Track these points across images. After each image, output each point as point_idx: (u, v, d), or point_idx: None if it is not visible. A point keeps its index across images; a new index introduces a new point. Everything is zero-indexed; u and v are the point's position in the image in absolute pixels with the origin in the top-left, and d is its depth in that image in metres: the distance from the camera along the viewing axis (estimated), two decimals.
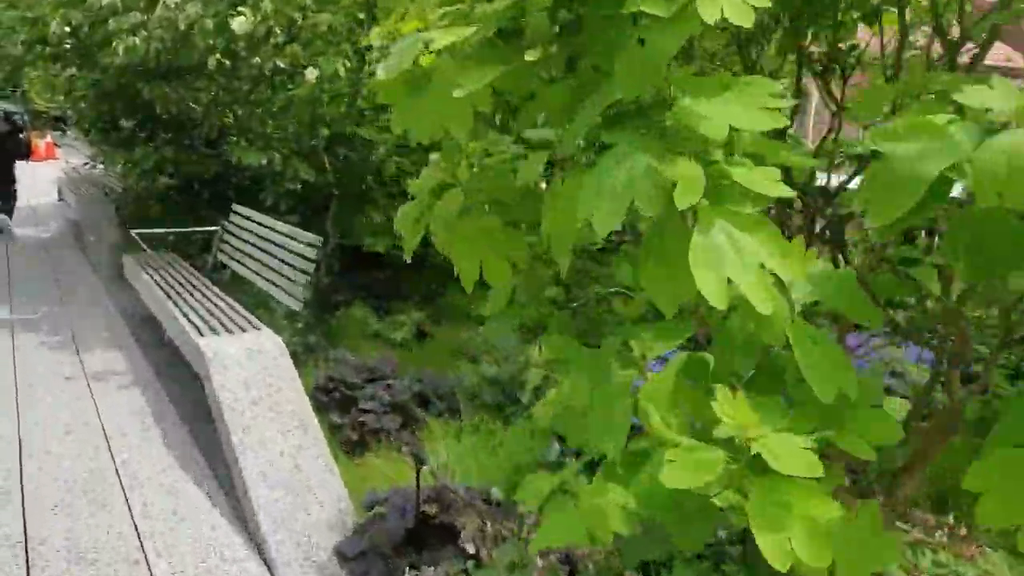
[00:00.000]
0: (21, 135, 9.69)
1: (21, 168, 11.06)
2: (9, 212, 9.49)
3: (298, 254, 4.02)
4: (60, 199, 12.44)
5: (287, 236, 4.25)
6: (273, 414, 3.15)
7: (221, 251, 5.36)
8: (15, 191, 9.63)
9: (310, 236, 3.97)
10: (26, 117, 11.60)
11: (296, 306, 3.99)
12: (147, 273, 5.07)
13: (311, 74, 4.19)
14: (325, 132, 5.39)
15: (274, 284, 4.27)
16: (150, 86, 5.46)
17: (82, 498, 3.14)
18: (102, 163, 11.06)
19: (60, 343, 5.15)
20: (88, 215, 8.32)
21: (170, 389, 4.37)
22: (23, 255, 8.03)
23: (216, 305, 4.29)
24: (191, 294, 4.52)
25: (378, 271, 6.49)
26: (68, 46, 7.15)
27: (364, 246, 6.10)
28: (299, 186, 5.28)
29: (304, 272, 3.94)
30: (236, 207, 5.25)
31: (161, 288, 4.64)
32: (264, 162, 5.14)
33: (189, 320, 3.96)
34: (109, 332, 5.39)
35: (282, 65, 4.71)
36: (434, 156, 1.75)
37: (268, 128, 5.45)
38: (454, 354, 4.88)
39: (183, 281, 4.91)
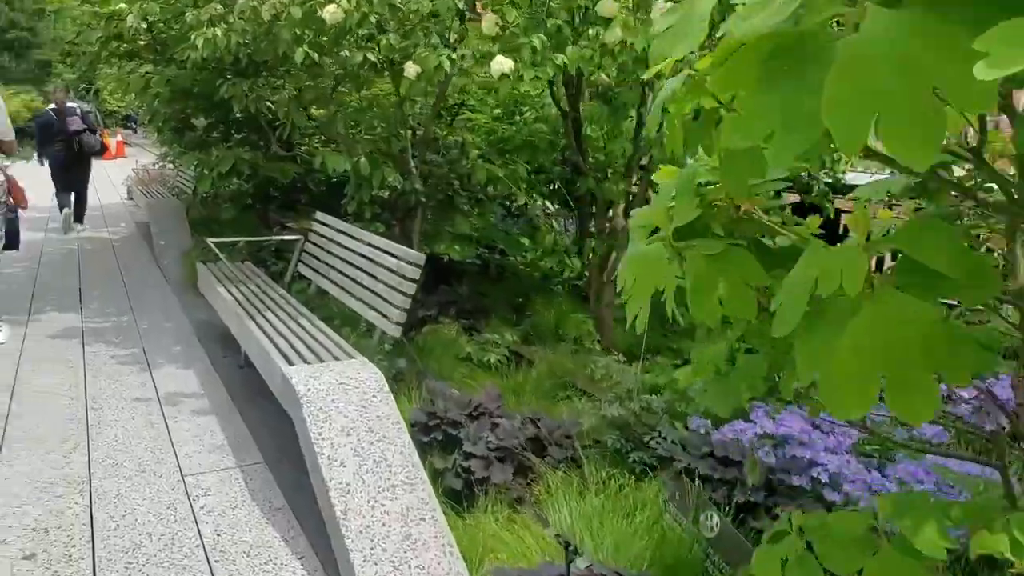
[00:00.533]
0: (95, 133, 9.58)
1: (93, 167, 11.14)
2: (81, 211, 9.62)
3: (397, 273, 3.52)
4: (129, 199, 12.38)
5: (383, 251, 3.76)
6: (378, 468, 2.67)
7: (302, 262, 4.94)
8: (86, 191, 9.69)
9: (413, 253, 3.46)
10: (99, 116, 11.76)
11: (394, 331, 3.49)
12: (223, 285, 4.68)
13: (412, 70, 3.70)
14: (407, 134, 4.94)
15: (366, 304, 3.80)
16: (228, 83, 5.07)
17: (159, 568, 2.71)
18: (172, 163, 10.94)
19: (130, 358, 4.80)
20: (158, 217, 8.08)
21: (249, 417, 3.95)
22: (93, 258, 7.82)
23: (300, 325, 3.84)
24: (272, 311, 4.09)
25: (459, 283, 6.02)
26: (143, 43, 6.90)
27: (447, 256, 5.63)
28: (387, 193, 4.82)
29: (404, 294, 3.45)
30: (320, 215, 4.81)
31: (240, 304, 4.23)
32: (349, 167, 4.69)
33: (273, 343, 3.52)
34: (182, 347, 5.03)
35: (372, 59, 4.25)
36: (664, 181, 1.21)
37: (353, 129, 5.01)
38: (558, 384, 4.34)
39: (262, 296, 4.50)
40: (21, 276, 6.97)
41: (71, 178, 9.19)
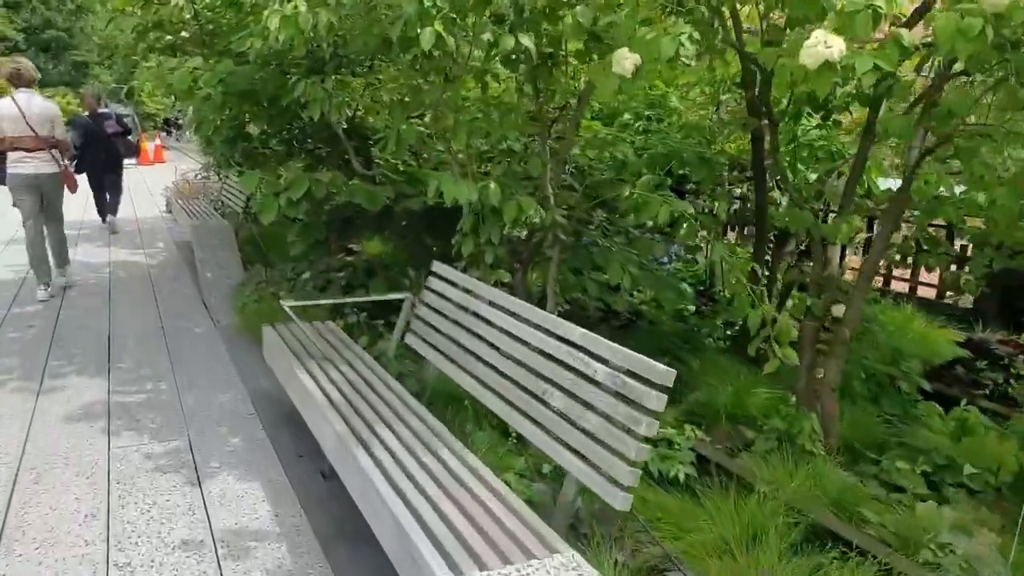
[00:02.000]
0: (129, 137, 9.97)
1: (127, 174, 10.50)
2: (116, 204, 9.93)
3: (626, 398, 2.05)
4: (168, 212, 11.20)
5: (589, 353, 2.26)
6: None
7: (413, 333, 3.54)
8: (119, 190, 10.01)
9: (660, 370, 2.00)
10: (136, 119, 10.96)
11: (622, 504, 2.03)
12: (304, 369, 3.32)
13: (628, 61, 2.29)
14: (546, 151, 3.56)
15: (553, 436, 2.35)
16: (303, 82, 3.74)
17: None
18: (218, 174, 9.72)
19: (172, 459, 3.49)
20: (203, 241, 6.80)
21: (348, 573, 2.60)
22: (126, 291, 6.57)
23: (442, 461, 2.45)
24: (390, 428, 2.69)
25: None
26: (188, 33, 5.63)
27: (591, 311, 4.23)
28: (524, 232, 3.44)
29: (639, 438, 1.99)
30: (441, 268, 3.40)
31: (337, 409, 2.86)
32: (475, 198, 3.33)
33: (411, 511, 2.11)
34: (241, 440, 3.70)
35: (528, 44, 2.88)
36: None
37: (472, 146, 3.64)
38: (809, 530, 2.91)
39: (365, 390, 3.12)
40: (43, 314, 5.73)
41: (105, 179, 9.64)
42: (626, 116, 5.14)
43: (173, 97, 5.97)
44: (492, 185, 3.35)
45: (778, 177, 4.44)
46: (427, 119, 4.18)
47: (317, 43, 3.88)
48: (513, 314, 2.70)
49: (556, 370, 2.40)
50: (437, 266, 3.43)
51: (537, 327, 2.58)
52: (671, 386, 1.99)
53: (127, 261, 7.87)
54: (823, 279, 3.71)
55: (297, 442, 3.65)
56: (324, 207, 4.62)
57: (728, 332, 4.98)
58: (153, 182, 14.99)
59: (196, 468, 3.41)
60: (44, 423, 3.83)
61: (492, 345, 2.78)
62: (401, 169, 5.08)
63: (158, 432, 3.78)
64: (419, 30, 2.83)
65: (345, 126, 4.48)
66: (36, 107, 5.89)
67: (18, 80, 5.89)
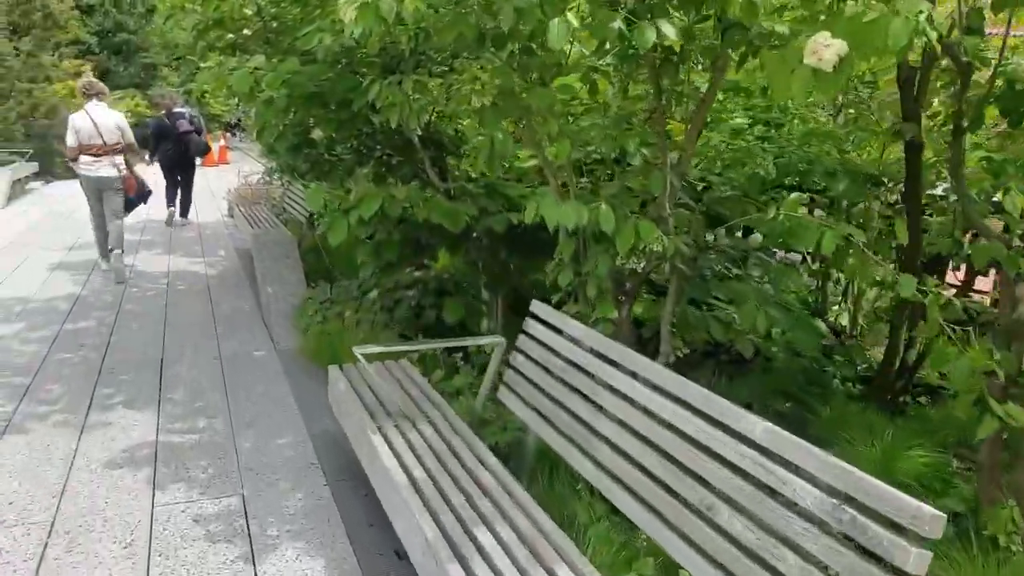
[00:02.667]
0: (200, 135, 10.30)
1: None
2: (187, 206, 10.43)
3: (843, 536, 1.40)
4: (230, 216, 10.94)
5: (784, 463, 1.60)
6: None
7: (507, 387, 2.94)
8: (191, 188, 10.40)
9: (924, 511, 1.34)
10: (202, 120, 11.20)
11: None
12: (380, 434, 2.77)
13: (831, 49, 1.66)
14: (666, 165, 2.91)
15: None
16: (379, 83, 3.19)
17: None
18: (280, 179, 9.37)
19: (223, 525, 2.98)
20: (265, 253, 6.39)
21: None
22: (183, 305, 6.19)
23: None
24: (487, 525, 2.12)
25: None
26: (250, 32, 5.18)
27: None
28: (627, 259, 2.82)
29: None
30: (541, 308, 2.80)
31: (418, 491, 2.29)
32: (584, 222, 2.72)
33: None
34: (304, 498, 3.18)
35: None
36: None
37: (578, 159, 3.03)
38: None
39: (454, 466, 2.54)
40: (93, 334, 5.37)
41: (178, 175, 10.13)
42: (737, 120, 4.44)
43: (236, 99, 5.57)
44: (603, 207, 2.74)
45: (941, 195, 3.70)
46: (514, 125, 3.61)
47: (393, 39, 3.32)
48: (652, 386, 2.07)
49: (724, 475, 1.76)
50: (537, 307, 2.83)
51: (689, 407, 1.94)
52: (939, 537, 1.33)
53: (186, 271, 7.53)
54: (1014, 324, 2.97)
55: (365, 503, 3.11)
56: (398, 225, 4.08)
57: (860, 373, 4.25)
58: (216, 184, 14.86)
59: (250, 538, 2.89)
60: (84, 471, 3.39)
61: (620, 422, 2.16)
62: (481, 182, 4.51)
63: (209, 485, 3.29)
64: (543, 20, 2.24)
65: (420, 133, 3.94)
66: (104, 116, 6.82)
67: (90, 91, 6.86)
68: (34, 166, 14.20)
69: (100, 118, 6.74)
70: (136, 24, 21.13)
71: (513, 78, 2.80)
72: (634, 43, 2.45)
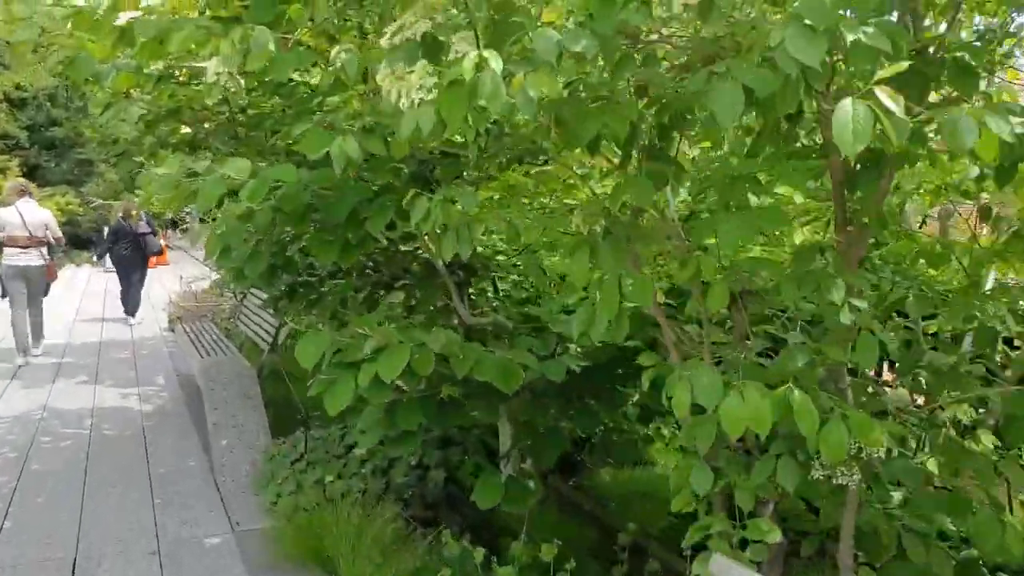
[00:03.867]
0: (156, 235, 10.85)
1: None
2: (135, 306, 10.38)
3: None
4: (170, 330, 9.58)
5: None
6: None
7: None
8: (141, 288, 10.52)
9: None
10: (148, 218, 11.42)
11: None
12: None
13: None
14: None
15: None
16: (423, 198, 2.18)
17: None
18: (232, 292, 8.19)
19: None
20: (216, 392, 5.14)
21: None
22: (110, 460, 4.85)
23: None
24: None
25: None
26: (210, 126, 4.23)
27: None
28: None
29: None
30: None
31: None
32: (768, 425, 1.71)
33: None
34: None
35: None
36: None
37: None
38: None
39: None
40: None
41: (132, 274, 10.30)
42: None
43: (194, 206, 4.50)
44: (796, 395, 1.74)
45: None
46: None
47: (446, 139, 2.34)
48: None
49: None
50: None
51: None
52: None
53: (116, 408, 6.17)
54: None
55: None
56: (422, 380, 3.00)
57: None
58: (155, 290, 13.48)
59: None
60: None
61: None
62: (514, 310, 3.51)
63: None
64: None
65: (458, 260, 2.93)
66: (32, 214, 7.45)
67: (21, 194, 7.52)
68: None
69: (28, 215, 7.38)
70: (72, 119, 19.94)
71: (650, 192, 1.83)
72: None
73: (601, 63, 1.74)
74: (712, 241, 1.98)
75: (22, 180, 8.10)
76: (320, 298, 3.62)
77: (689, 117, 1.91)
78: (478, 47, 1.50)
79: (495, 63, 1.40)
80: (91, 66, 2.94)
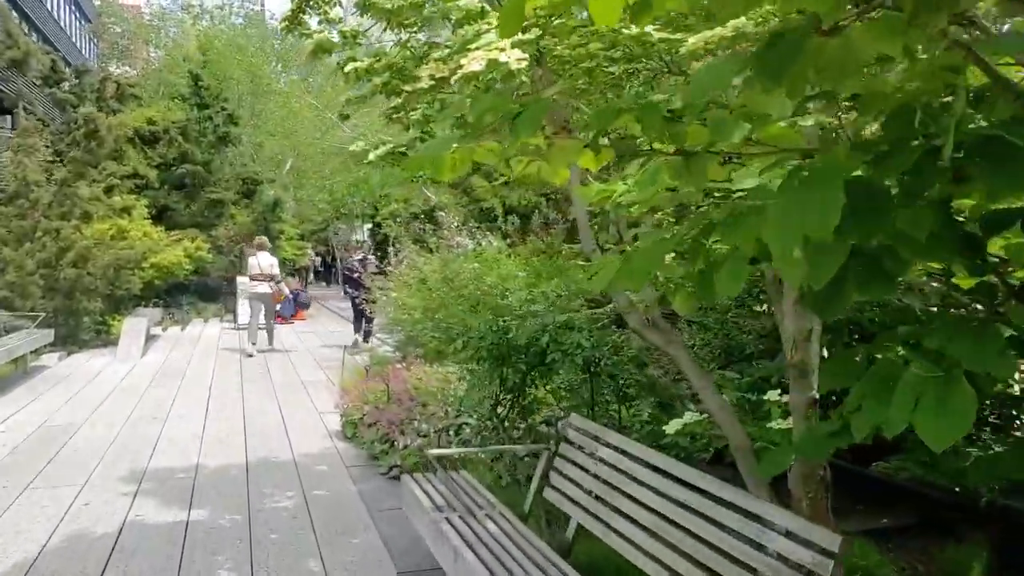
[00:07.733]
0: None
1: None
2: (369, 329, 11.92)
3: None
4: (347, 437, 6.23)
5: None
6: None
7: None
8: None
9: None
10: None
11: None
12: None
13: None
14: None
15: None
16: None
17: None
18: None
19: None
20: None
21: None
22: None
23: None
24: None
25: None
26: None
27: None
28: None
29: None
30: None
31: None
32: None
33: None
34: None
35: None
36: None
37: None
38: None
39: None
40: None
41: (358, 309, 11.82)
42: None
43: None
44: None
45: None
46: None
47: None
48: None
49: None
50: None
51: None
52: None
53: None
54: None
55: None
56: None
57: None
58: (304, 364, 10.36)
59: None
60: None
61: None
62: None
63: None
64: None
65: None
66: (266, 259, 11.42)
67: (260, 247, 11.59)
68: (48, 334, 9.95)
69: (263, 260, 11.34)
70: (205, 154, 17.76)
71: None
72: None
73: None
74: None
75: (262, 238, 12.02)
76: None
77: None
78: None
79: None
80: None
